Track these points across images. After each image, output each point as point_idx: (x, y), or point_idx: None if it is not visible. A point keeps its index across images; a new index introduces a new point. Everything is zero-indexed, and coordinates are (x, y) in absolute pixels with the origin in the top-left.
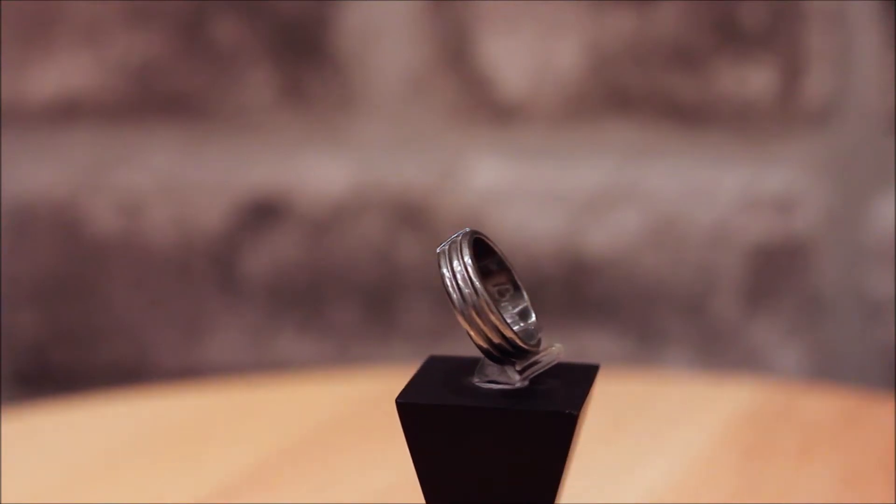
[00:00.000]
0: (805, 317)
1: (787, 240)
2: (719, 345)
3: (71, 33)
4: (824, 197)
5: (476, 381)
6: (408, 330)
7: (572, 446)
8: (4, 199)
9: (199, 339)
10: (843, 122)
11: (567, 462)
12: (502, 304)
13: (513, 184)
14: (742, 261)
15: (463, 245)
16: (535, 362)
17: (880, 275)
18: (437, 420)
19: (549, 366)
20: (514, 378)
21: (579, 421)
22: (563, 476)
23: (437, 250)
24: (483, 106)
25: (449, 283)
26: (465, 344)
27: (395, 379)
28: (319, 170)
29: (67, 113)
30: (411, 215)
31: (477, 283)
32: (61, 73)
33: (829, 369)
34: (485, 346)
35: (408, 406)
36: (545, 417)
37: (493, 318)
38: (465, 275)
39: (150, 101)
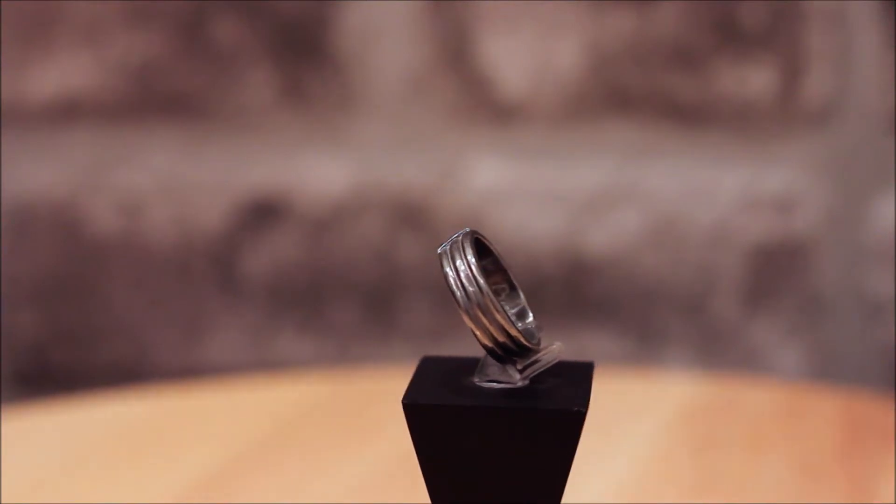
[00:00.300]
0: (805, 317)
1: (787, 240)
2: (719, 345)
3: (71, 33)
4: (824, 197)
5: (476, 380)
6: (408, 330)
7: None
8: (4, 199)
9: (199, 339)
10: (843, 122)
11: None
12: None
13: (513, 184)
14: (742, 261)
15: (465, 244)
16: (536, 361)
17: (880, 275)
18: (444, 420)
19: (550, 364)
20: (515, 377)
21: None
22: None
23: (439, 251)
24: (483, 106)
25: (453, 282)
26: (465, 344)
27: (394, 379)
28: (319, 170)
29: (67, 113)
30: (411, 215)
31: (481, 281)
32: (61, 73)
33: (829, 369)
34: (489, 344)
35: (414, 407)
36: (554, 415)
37: (498, 316)
38: (469, 273)
39: (150, 101)
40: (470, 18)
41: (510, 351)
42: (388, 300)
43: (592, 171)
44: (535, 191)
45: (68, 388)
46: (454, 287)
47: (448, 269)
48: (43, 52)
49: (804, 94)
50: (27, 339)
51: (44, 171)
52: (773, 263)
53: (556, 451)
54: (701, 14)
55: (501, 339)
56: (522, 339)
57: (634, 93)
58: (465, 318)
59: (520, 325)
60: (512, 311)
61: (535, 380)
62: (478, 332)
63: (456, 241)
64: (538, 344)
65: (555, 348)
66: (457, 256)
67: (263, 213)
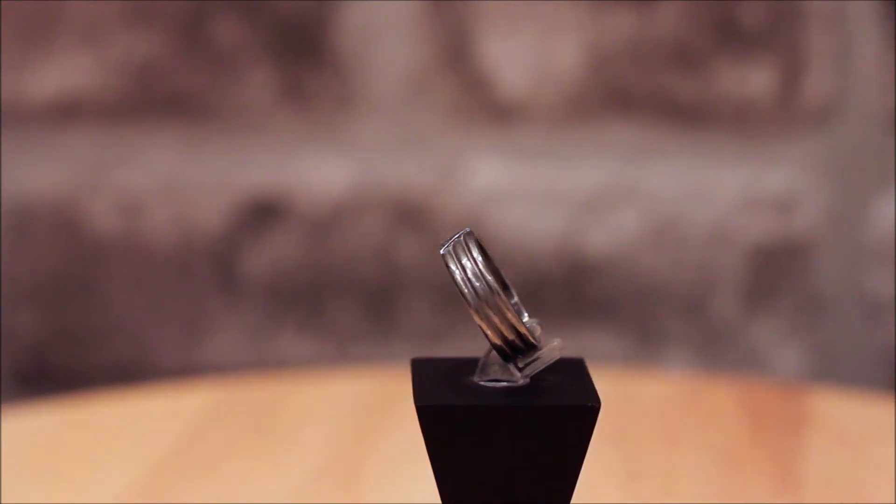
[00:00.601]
0: (805, 317)
1: (787, 240)
2: (719, 345)
3: (71, 33)
4: (824, 197)
5: (478, 380)
6: (408, 330)
7: None
8: (4, 199)
9: (199, 339)
10: (843, 122)
11: None
12: None
13: (513, 184)
14: (742, 261)
15: (469, 242)
16: (536, 359)
17: (880, 275)
18: (459, 421)
19: (551, 362)
20: (517, 376)
21: None
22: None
23: (442, 251)
24: (483, 106)
25: (461, 280)
26: (465, 344)
27: (393, 379)
28: (319, 170)
29: (67, 113)
30: (411, 215)
31: (490, 278)
32: (61, 73)
33: (829, 369)
34: (498, 342)
35: (428, 409)
36: (569, 411)
37: (508, 313)
38: (476, 270)
39: (150, 101)
40: (470, 18)
41: (517, 348)
42: (388, 300)
43: (592, 171)
44: (535, 191)
45: (68, 388)
46: (462, 284)
47: (454, 268)
48: (43, 52)
49: (804, 94)
50: (27, 339)
51: (44, 171)
52: (773, 263)
53: (570, 446)
54: (701, 14)
55: (511, 336)
56: (530, 337)
57: (634, 93)
58: (475, 316)
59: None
60: None
61: (534, 378)
62: (489, 332)
63: (459, 241)
64: (538, 341)
65: (555, 345)
66: (462, 254)
67: (263, 213)
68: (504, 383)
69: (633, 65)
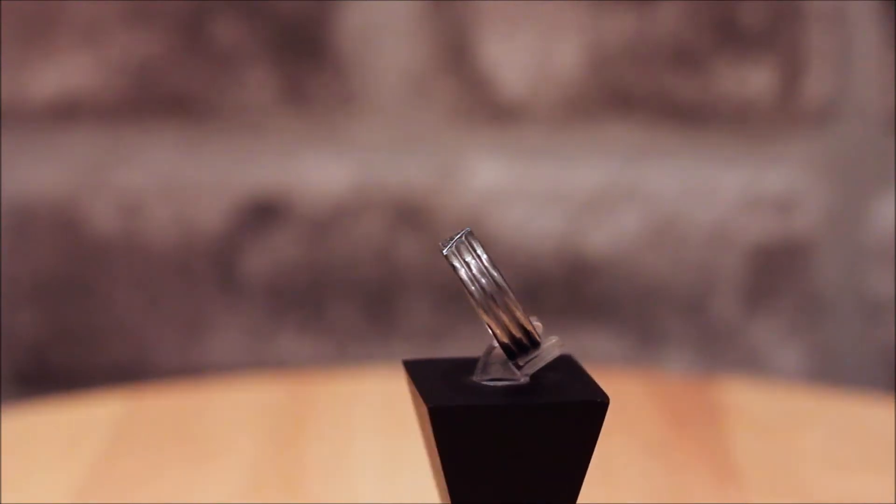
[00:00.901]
0: (805, 317)
1: (787, 240)
2: (719, 345)
3: (71, 33)
4: (824, 197)
5: (478, 380)
6: (408, 330)
7: None
8: (4, 199)
9: (199, 339)
10: (843, 122)
11: None
12: None
13: (513, 184)
14: (742, 261)
15: (472, 240)
16: (536, 357)
17: (880, 275)
18: (471, 422)
19: (551, 360)
20: (517, 374)
21: None
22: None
23: (444, 252)
24: (483, 106)
25: (466, 277)
26: (465, 344)
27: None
28: (320, 170)
29: (67, 113)
30: (411, 215)
31: (496, 274)
32: (61, 73)
33: (829, 369)
34: (506, 340)
35: (442, 410)
36: (580, 408)
37: (517, 312)
38: (482, 267)
39: (150, 101)
40: (470, 19)
41: (522, 346)
42: (388, 300)
43: (592, 171)
44: (535, 191)
45: (68, 388)
46: (469, 282)
47: (459, 265)
48: (43, 52)
49: (804, 94)
50: (27, 339)
51: (44, 171)
52: (773, 263)
53: (580, 442)
54: (701, 14)
55: (518, 334)
56: (536, 335)
57: (635, 93)
58: (482, 314)
59: None
60: None
61: (533, 376)
62: (497, 330)
63: (461, 239)
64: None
65: (554, 343)
66: (465, 252)
67: (264, 213)
68: (506, 382)
69: (633, 65)
